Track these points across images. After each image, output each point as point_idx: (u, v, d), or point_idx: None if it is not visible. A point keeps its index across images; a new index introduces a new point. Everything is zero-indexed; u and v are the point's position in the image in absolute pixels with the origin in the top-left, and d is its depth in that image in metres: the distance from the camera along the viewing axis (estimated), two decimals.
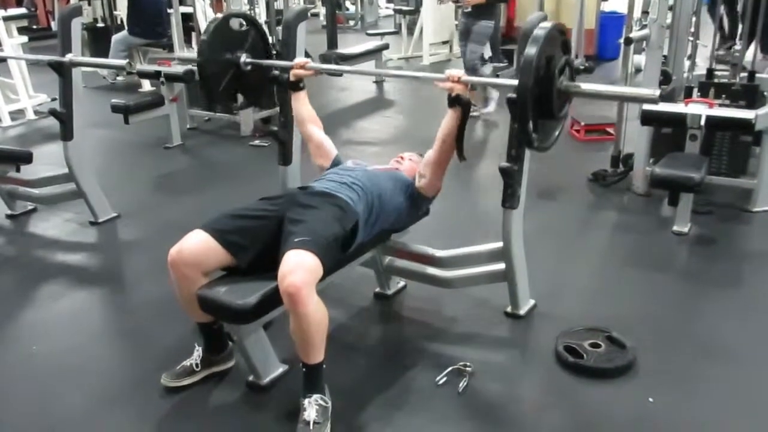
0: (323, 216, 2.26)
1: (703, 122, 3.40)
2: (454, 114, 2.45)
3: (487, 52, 6.28)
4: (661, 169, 3.29)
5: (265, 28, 7.07)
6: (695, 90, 3.92)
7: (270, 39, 6.44)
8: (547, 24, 2.12)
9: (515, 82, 2.02)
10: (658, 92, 2.07)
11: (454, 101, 2.41)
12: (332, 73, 2.52)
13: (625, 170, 4.29)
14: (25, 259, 3.57)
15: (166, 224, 3.85)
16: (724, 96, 3.73)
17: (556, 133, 2.21)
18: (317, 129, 2.86)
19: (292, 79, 2.75)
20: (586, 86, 2.14)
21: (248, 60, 2.76)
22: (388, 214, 2.55)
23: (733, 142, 3.82)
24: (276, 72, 2.81)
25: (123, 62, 3.41)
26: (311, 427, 2.04)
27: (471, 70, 5.77)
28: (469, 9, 5.79)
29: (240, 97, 2.87)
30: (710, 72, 4.02)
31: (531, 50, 1.97)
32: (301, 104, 2.84)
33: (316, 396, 2.10)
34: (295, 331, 2.06)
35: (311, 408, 2.07)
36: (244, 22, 2.85)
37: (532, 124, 2.04)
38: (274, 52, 5.81)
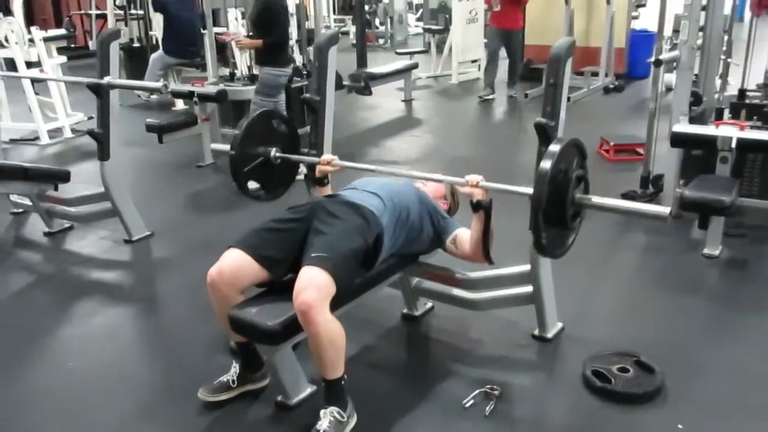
0: (345, 227, 2.30)
1: (734, 144, 3.37)
2: (478, 219, 2.42)
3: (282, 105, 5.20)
4: (690, 191, 3.27)
5: (296, 47, 7.25)
6: (726, 111, 3.89)
7: (301, 60, 6.57)
8: (564, 139, 2.20)
9: (530, 191, 2.12)
10: (668, 210, 2.13)
11: (476, 207, 2.38)
12: (358, 168, 2.61)
13: (655, 191, 4.26)
14: (62, 276, 3.67)
15: (199, 242, 3.93)
16: (755, 118, 3.70)
17: (569, 241, 2.28)
18: None
19: (317, 175, 2.77)
20: (597, 200, 2.22)
21: (278, 155, 2.85)
22: (413, 233, 2.58)
23: (765, 164, 3.77)
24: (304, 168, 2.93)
25: (159, 85, 3.51)
26: None
27: None
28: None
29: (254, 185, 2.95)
30: (742, 93, 3.99)
31: (546, 164, 2.08)
32: None
33: (332, 408, 2.15)
34: (311, 348, 2.12)
35: (325, 419, 2.13)
36: (280, 120, 2.96)
37: (545, 232, 2.13)
38: (305, 73, 5.97)
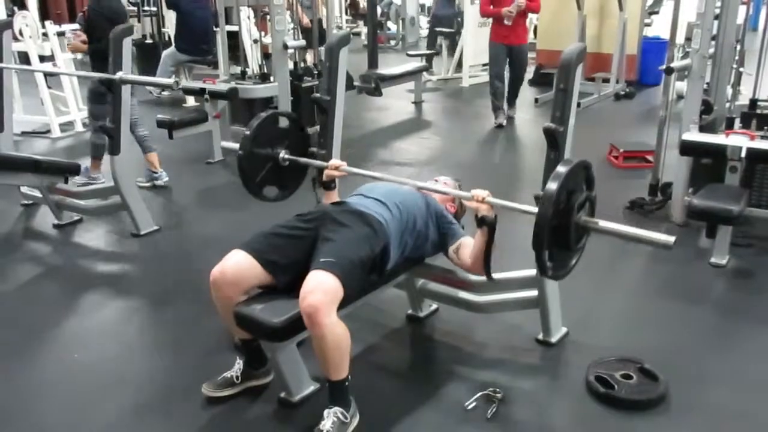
0: (353, 236, 2.30)
1: (743, 154, 3.36)
2: (481, 234, 2.40)
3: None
4: (699, 200, 3.26)
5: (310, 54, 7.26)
6: (737, 121, 3.88)
7: (312, 62, 6.59)
8: (572, 161, 2.18)
9: (535, 209, 2.11)
10: (672, 240, 2.11)
11: (481, 222, 2.36)
12: (366, 175, 2.61)
13: (663, 199, 4.25)
14: (70, 269, 3.69)
15: (206, 238, 3.95)
16: (766, 128, 3.68)
17: (572, 262, 2.27)
18: None
19: (324, 179, 2.77)
20: (604, 224, 2.20)
21: (286, 156, 2.86)
22: (420, 238, 2.58)
23: None
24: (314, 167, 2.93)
25: (170, 81, 3.53)
26: None
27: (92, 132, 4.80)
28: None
29: (273, 190, 2.96)
30: (753, 102, 3.98)
31: (552, 186, 2.07)
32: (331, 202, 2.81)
33: (336, 409, 2.16)
34: (316, 350, 2.13)
35: (328, 419, 2.14)
36: (288, 120, 2.96)
37: (548, 253, 2.11)
38: (315, 72, 5.99)
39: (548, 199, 2.06)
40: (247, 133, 2.77)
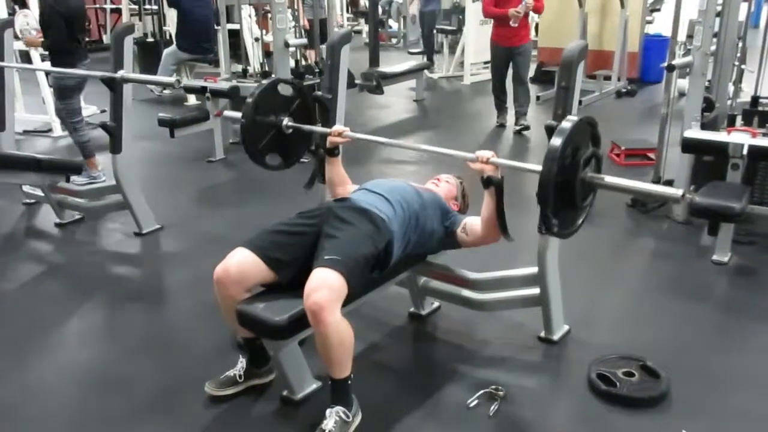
0: (356, 233, 2.30)
1: (745, 151, 3.36)
2: (489, 195, 2.41)
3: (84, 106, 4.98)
4: (701, 197, 3.25)
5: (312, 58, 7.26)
6: (739, 118, 3.87)
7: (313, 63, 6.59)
8: (576, 116, 2.15)
9: (539, 168, 2.07)
10: (681, 192, 2.08)
11: (487, 183, 2.37)
12: (369, 140, 2.58)
13: None
14: (72, 268, 3.70)
15: (208, 237, 3.95)
16: None
17: (579, 221, 2.24)
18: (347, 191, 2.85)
19: (328, 146, 2.77)
20: (610, 179, 2.17)
21: (290, 124, 2.84)
22: (423, 236, 2.58)
23: None
24: (315, 142, 2.91)
25: (172, 80, 3.54)
26: None
27: (71, 132, 4.81)
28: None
29: (275, 158, 2.95)
30: (755, 100, 3.97)
31: (556, 141, 2.03)
32: (335, 169, 2.82)
33: (338, 408, 2.16)
34: (319, 347, 2.12)
35: (331, 418, 2.14)
36: (292, 89, 2.93)
37: (553, 211, 2.08)
38: (317, 70, 5.99)
39: (553, 153, 2.02)
40: (250, 100, 2.75)
